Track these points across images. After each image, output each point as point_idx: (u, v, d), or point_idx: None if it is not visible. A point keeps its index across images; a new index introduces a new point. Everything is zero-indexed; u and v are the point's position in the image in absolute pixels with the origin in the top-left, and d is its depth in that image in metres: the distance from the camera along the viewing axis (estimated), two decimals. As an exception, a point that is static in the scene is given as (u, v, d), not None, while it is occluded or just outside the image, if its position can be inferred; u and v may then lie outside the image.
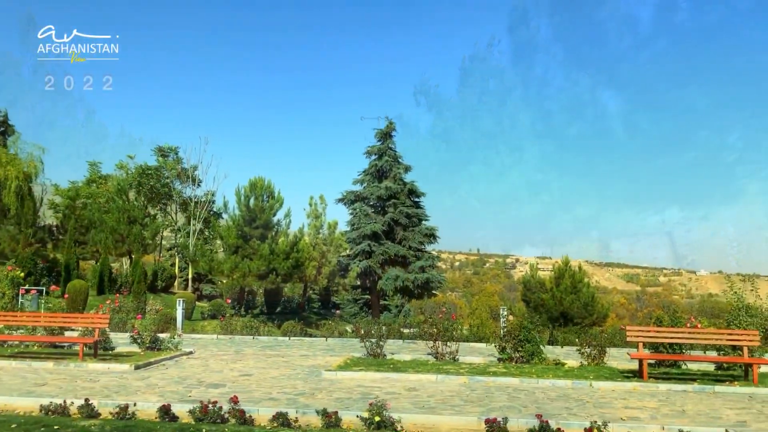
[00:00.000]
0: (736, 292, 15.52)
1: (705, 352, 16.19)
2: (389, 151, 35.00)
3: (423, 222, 35.24)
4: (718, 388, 12.17)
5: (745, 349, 13.17)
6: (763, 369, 14.54)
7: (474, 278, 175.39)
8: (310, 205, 31.07)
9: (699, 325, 15.07)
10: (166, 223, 43.42)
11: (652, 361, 14.73)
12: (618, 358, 16.64)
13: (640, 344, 13.44)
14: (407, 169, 35.37)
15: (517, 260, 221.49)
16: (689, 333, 13.93)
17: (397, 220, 33.70)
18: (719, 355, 14.73)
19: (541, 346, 15.41)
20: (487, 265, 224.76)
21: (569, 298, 27.73)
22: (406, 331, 22.39)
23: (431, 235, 34.89)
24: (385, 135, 35.26)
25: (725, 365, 14.30)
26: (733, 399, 11.31)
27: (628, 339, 13.71)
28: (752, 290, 16.09)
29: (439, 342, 15.72)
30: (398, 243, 33.94)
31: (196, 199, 40.11)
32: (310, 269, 29.07)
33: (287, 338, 21.24)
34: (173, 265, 41.37)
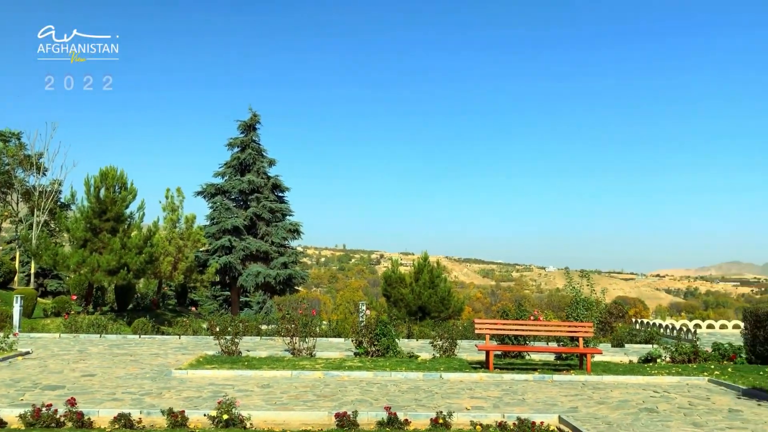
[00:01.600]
0: (574, 287, 16.68)
1: (548, 343, 17.26)
2: (253, 144, 34.36)
3: (287, 217, 34.93)
4: (557, 377, 13.00)
5: (581, 340, 14.18)
6: (597, 358, 15.73)
7: (339, 274, 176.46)
8: (167, 197, 29.84)
9: (541, 318, 16.05)
10: (6, 213, 40.05)
11: (499, 352, 15.49)
12: (469, 350, 17.35)
13: (487, 336, 14.10)
14: (272, 162, 34.91)
15: (382, 256, 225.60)
16: (532, 325, 14.79)
17: (260, 214, 33.19)
18: (559, 345, 15.75)
19: (396, 340, 15.73)
20: (353, 260, 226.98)
21: (427, 293, 28.58)
22: (264, 327, 22.10)
23: (295, 231, 34.67)
24: (249, 127, 34.58)
25: (564, 355, 15.31)
26: (569, 387, 12.14)
27: (476, 331, 14.33)
28: (588, 285, 17.36)
29: (297, 338, 15.64)
30: (260, 238, 33.43)
31: (40, 189, 37.33)
32: (165, 265, 27.93)
33: (138, 336, 20.27)
34: (13, 259, 38.26)
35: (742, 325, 16.91)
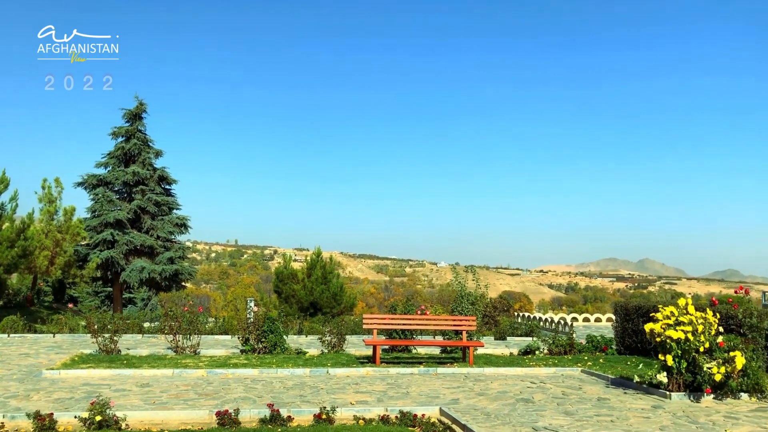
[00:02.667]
0: (460, 282, 17.16)
1: (434, 337, 17.64)
2: (138, 134, 32.92)
3: (174, 211, 33.76)
4: (441, 369, 13.33)
5: (464, 333, 14.60)
6: (480, 351, 16.27)
7: (231, 270, 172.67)
8: (43, 188, 28.02)
9: (428, 312, 16.39)
10: None
11: (387, 347, 15.69)
12: (358, 345, 17.47)
13: (375, 331, 14.24)
14: (158, 153, 33.58)
15: (275, 252, 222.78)
16: (419, 320, 15.08)
17: (145, 207, 31.90)
18: (444, 339, 16.15)
19: (284, 337, 15.60)
20: (245, 256, 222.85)
21: (320, 289, 28.52)
22: (147, 325, 21.30)
23: (183, 225, 33.56)
24: (135, 116, 33.10)
25: (449, 348, 15.72)
26: (452, 379, 12.46)
27: (364, 326, 14.45)
28: (474, 280, 17.92)
29: (180, 336, 15.17)
30: (145, 232, 32.13)
31: None
32: (41, 259, 26.26)
33: (6, 335, 18.98)
34: None
35: (614, 318, 17.99)
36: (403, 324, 14.92)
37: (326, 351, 15.68)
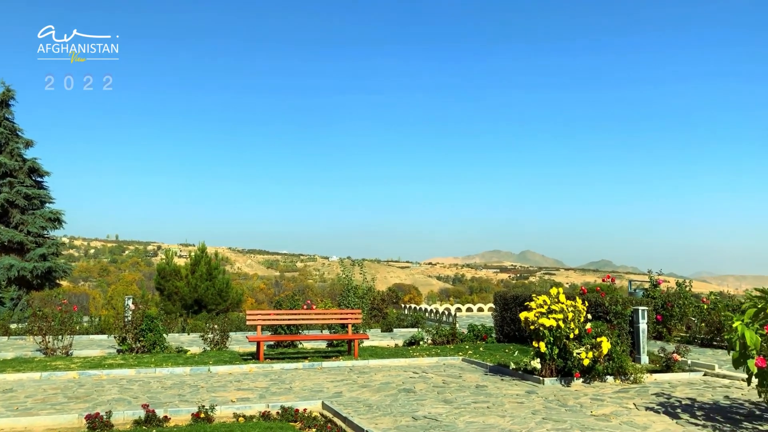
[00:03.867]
0: (347, 275, 17.22)
1: (321, 331, 17.60)
2: (6, 122, 30.71)
3: (47, 205, 31.77)
4: (326, 363, 13.33)
5: (350, 327, 14.69)
6: (367, 343, 16.41)
7: (111, 266, 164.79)
8: None
9: (314, 307, 16.33)
10: None
11: (272, 343, 15.51)
12: (243, 342, 17.14)
13: (259, 327, 14.04)
14: (29, 144, 31.45)
15: (159, 247, 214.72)
16: (305, 314, 15.02)
17: (14, 201, 29.83)
18: (330, 333, 16.17)
19: (164, 335, 15.06)
20: (127, 252, 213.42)
21: (204, 285, 27.73)
22: (15, 326, 19.93)
23: (56, 220, 31.63)
24: (1, 103, 30.86)
25: (335, 342, 15.75)
26: (337, 373, 12.50)
27: (248, 323, 14.21)
28: (361, 273, 18.04)
29: (50, 336, 14.31)
30: (14, 227, 30.06)
31: None
32: None
33: None
34: None
35: (494, 307, 18.65)
36: (289, 319, 14.80)
37: (209, 349, 15.29)
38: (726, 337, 8.57)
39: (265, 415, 8.56)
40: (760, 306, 8.13)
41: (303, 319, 14.98)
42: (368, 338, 15.60)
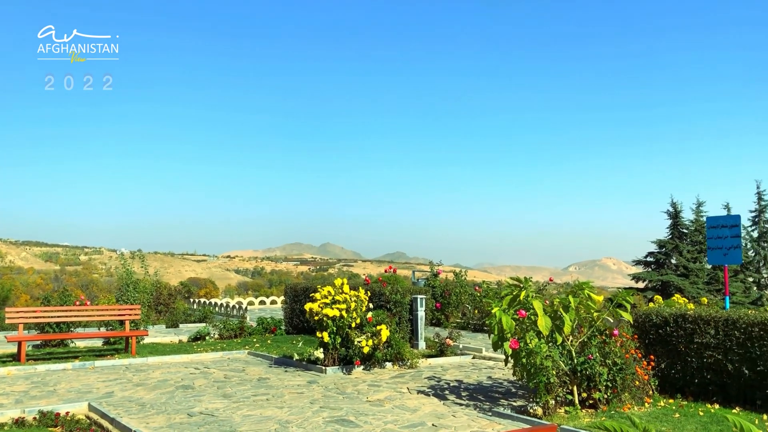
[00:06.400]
0: (127, 269, 16.20)
1: (99, 329, 16.42)
2: None
3: None
4: (99, 362, 12.44)
5: (127, 323, 13.84)
6: (148, 340, 15.59)
7: None
8: None
9: (88, 303, 15.17)
10: None
11: (38, 342, 14.17)
12: (3, 342, 15.47)
13: (21, 326, 12.74)
14: None
15: None
16: (78, 311, 13.91)
17: None
18: (108, 330, 15.15)
19: None
20: None
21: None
22: None
23: None
24: None
25: (112, 339, 14.78)
26: (110, 372, 11.71)
27: (7, 321, 12.87)
28: (143, 267, 17.08)
29: None
30: None
31: None
32: None
33: None
34: None
35: (285, 299, 18.67)
36: (59, 316, 13.59)
37: (-39, 352, 13.59)
38: (487, 322, 9.35)
39: (19, 422, 7.79)
40: (514, 293, 8.96)
41: (76, 316, 13.87)
42: (148, 334, 14.85)
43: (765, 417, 8.02)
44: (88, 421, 8.07)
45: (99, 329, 16.33)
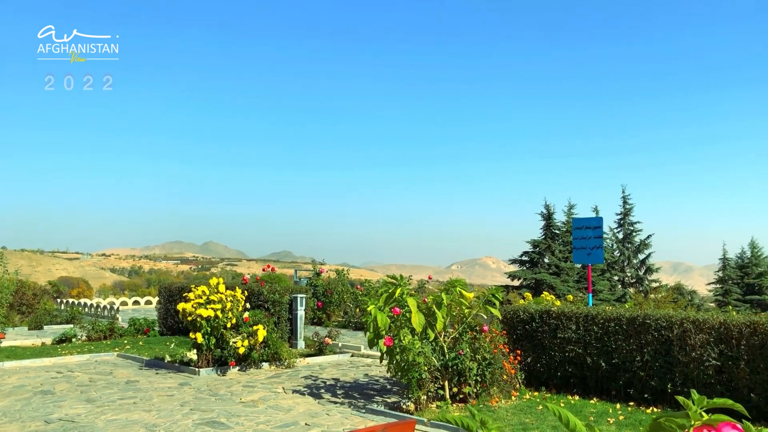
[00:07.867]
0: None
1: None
2: None
3: None
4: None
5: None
6: (6, 343, 14.53)
7: None
8: None
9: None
10: None
11: None
12: None
13: None
14: None
15: None
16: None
17: None
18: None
19: None
20: None
21: None
22: None
23: None
24: None
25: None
26: (-40, 378, 10.82)
27: None
28: (1, 264, 15.91)
29: None
30: None
31: None
32: None
33: None
34: None
35: (159, 300, 17.98)
36: None
37: None
38: (363, 319, 9.41)
39: None
40: (390, 291, 9.07)
41: None
42: (4, 337, 13.85)
43: (618, 406, 8.58)
44: (-73, 432, 7.40)
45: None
